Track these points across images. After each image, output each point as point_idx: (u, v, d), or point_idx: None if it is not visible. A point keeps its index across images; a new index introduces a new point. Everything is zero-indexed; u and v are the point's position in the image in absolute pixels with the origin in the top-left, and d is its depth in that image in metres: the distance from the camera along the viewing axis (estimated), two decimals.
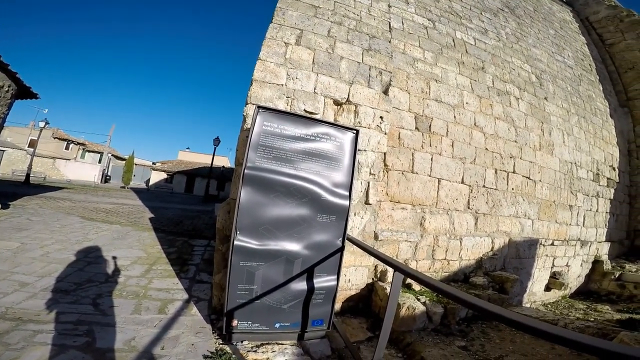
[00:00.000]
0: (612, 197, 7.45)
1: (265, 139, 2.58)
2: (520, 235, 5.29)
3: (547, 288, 5.76)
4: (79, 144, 33.15)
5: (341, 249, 2.80)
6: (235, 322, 2.51)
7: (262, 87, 3.41)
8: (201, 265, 4.66)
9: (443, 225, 4.44)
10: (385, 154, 3.99)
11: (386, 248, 3.88)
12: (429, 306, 3.28)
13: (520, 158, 5.49)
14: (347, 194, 2.83)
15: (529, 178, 5.55)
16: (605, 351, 0.88)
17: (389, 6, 5.07)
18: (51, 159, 29.05)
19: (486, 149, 5.07)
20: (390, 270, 3.50)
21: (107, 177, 32.51)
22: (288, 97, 3.49)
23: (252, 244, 2.52)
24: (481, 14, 6.62)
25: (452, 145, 4.71)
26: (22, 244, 4.49)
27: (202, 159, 36.98)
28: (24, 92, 7.61)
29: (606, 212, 7.28)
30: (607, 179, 7.36)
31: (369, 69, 4.10)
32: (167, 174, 34.70)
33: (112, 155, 35.85)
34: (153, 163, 38.53)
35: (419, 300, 3.37)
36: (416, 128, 4.47)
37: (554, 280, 5.73)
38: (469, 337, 3.26)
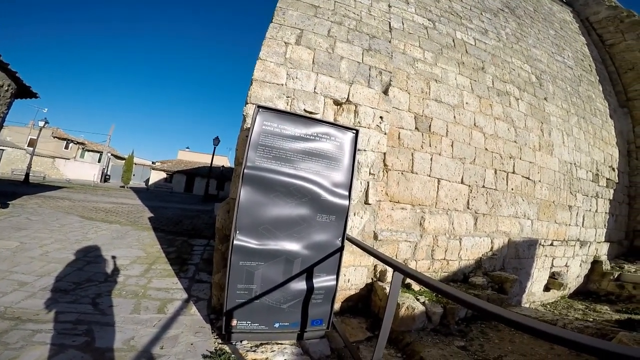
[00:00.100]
0: (611, 198, 7.45)
1: (265, 138, 2.58)
2: (519, 235, 5.29)
3: (546, 288, 5.77)
4: (78, 143, 33.10)
5: (341, 249, 2.79)
6: (234, 322, 2.51)
7: (262, 86, 3.41)
8: (200, 264, 4.66)
9: (442, 226, 4.44)
10: (385, 154, 3.99)
11: (386, 248, 3.88)
12: (428, 306, 3.28)
13: (520, 158, 5.50)
14: (347, 193, 2.82)
15: (528, 178, 5.55)
16: (604, 351, 0.88)
17: (389, 6, 5.07)
18: (51, 158, 29.02)
19: (486, 149, 5.07)
20: (389, 270, 3.50)
21: (107, 177, 32.49)
22: (288, 97, 3.49)
23: (252, 243, 2.52)
24: (481, 14, 6.62)
25: (452, 146, 4.71)
26: (21, 244, 4.48)
27: (201, 159, 36.97)
28: (23, 92, 7.61)
29: (605, 213, 7.28)
30: (607, 179, 7.37)
31: (369, 69, 4.10)
32: (167, 174, 34.68)
33: (111, 154, 35.81)
34: (152, 162, 38.51)
35: (418, 300, 3.37)
36: (416, 128, 4.47)
37: (553, 281, 5.74)
38: (468, 337, 3.26)
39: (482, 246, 4.74)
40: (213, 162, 21.33)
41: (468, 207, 4.73)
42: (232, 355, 2.36)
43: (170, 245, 5.64)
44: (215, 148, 19.95)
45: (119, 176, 29.91)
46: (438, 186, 4.49)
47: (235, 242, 2.46)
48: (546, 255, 5.65)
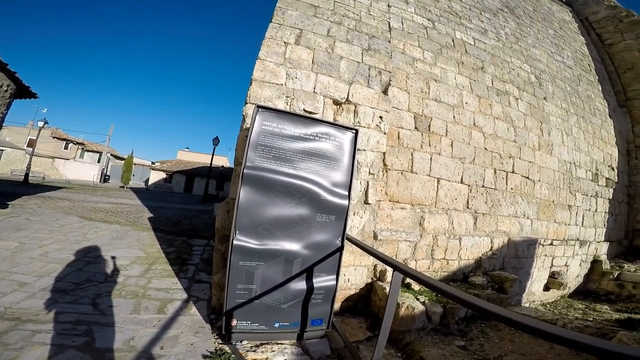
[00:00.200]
0: (610, 197, 7.46)
1: (264, 138, 2.58)
2: (519, 235, 5.29)
3: (546, 288, 5.77)
4: (78, 143, 33.07)
5: (340, 249, 2.79)
6: (234, 322, 2.50)
7: (262, 86, 3.41)
8: (200, 264, 4.65)
9: (442, 225, 4.44)
10: (384, 153, 3.99)
11: (385, 248, 3.88)
12: (428, 306, 3.28)
13: (520, 158, 5.50)
14: (347, 193, 2.82)
15: (528, 178, 5.55)
16: (604, 351, 0.88)
17: (389, 6, 5.07)
18: (50, 158, 28.99)
19: (485, 148, 5.07)
20: (389, 270, 3.50)
21: (106, 177, 32.46)
22: (287, 97, 3.49)
23: (252, 243, 2.52)
24: (481, 14, 6.63)
25: (452, 145, 4.72)
26: (20, 244, 4.48)
27: (201, 159, 36.96)
28: (22, 92, 7.60)
29: (605, 212, 7.29)
30: (606, 179, 7.37)
31: (369, 69, 4.10)
32: (166, 174, 34.67)
33: (111, 154, 35.78)
34: (152, 163, 38.50)
35: (418, 299, 3.37)
36: (415, 128, 4.47)
37: (553, 280, 5.74)
38: (468, 337, 3.26)
39: (481, 246, 4.74)
40: (213, 162, 21.33)
41: (468, 207, 4.73)
42: (232, 355, 2.36)
43: (170, 245, 5.64)
44: (214, 148, 19.96)
45: (119, 176, 29.89)
46: (438, 186, 4.49)
47: (235, 242, 2.46)
48: (546, 255, 5.65)
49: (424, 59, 4.98)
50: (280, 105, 3.41)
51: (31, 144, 25.31)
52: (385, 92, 4.09)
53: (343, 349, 2.64)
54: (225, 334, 2.52)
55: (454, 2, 6.30)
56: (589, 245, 6.55)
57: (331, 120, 3.59)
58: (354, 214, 3.61)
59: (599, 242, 6.98)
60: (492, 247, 4.84)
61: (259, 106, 2.58)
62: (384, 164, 4.06)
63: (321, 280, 2.75)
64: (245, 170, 2.49)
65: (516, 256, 5.18)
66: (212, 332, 2.68)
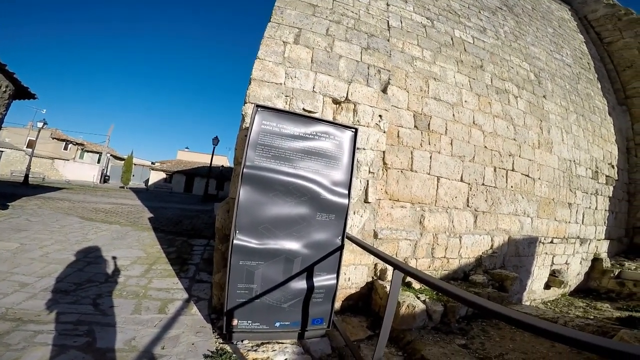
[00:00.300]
0: (611, 195, 7.46)
1: (264, 137, 2.58)
2: (519, 233, 5.29)
3: (547, 286, 5.78)
4: (77, 144, 33.05)
5: (341, 248, 2.80)
6: (235, 322, 2.51)
7: (261, 86, 3.41)
8: (201, 264, 4.66)
9: (442, 224, 4.44)
10: (384, 152, 3.99)
11: (386, 246, 3.88)
12: (428, 304, 3.29)
13: (519, 156, 5.50)
14: (347, 192, 2.82)
15: (528, 176, 5.55)
16: (606, 349, 0.88)
17: (388, 5, 5.07)
18: (50, 159, 28.98)
19: (485, 147, 5.07)
20: (389, 269, 3.49)
21: (106, 177, 32.45)
22: (287, 96, 3.49)
23: (252, 243, 2.52)
24: (479, 12, 6.62)
25: (451, 144, 4.71)
26: (21, 245, 4.48)
27: (201, 159, 36.96)
28: (21, 93, 7.59)
29: (605, 210, 7.29)
30: (606, 176, 7.37)
31: (368, 68, 4.09)
32: (166, 174, 34.67)
33: (111, 155, 35.77)
34: (152, 163, 38.49)
35: (418, 298, 3.37)
36: (415, 126, 4.47)
37: (554, 278, 5.74)
38: (469, 336, 3.26)
39: (482, 244, 4.74)
40: (212, 162, 21.33)
41: (468, 205, 4.73)
42: (234, 355, 2.36)
43: (171, 245, 5.64)
44: (214, 148, 19.96)
45: (119, 177, 29.89)
46: (437, 184, 4.49)
47: (235, 241, 2.46)
48: (546, 253, 5.66)
49: (423, 57, 4.97)
50: (280, 104, 3.41)
51: (31, 144, 25.31)
52: (384, 90, 4.09)
53: (344, 348, 2.64)
54: (226, 333, 2.53)
55: (452, 1, 6.30)
56: (589, 243, 6.55)
57: (331, 119, 3.59)
58: (354, 213, 3.61)
59: (600, 240, 6.98)
60: (492, 246, 4.84)
61: (258, 105, 2.58)
62: (384, 163, 4.06)
63: (322, 280, 2.75)
64: (244, 170, 2.49)
65: (517, 254, 5.18)
66: (213, 332, 2.69)
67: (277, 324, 2.63)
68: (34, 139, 20.78)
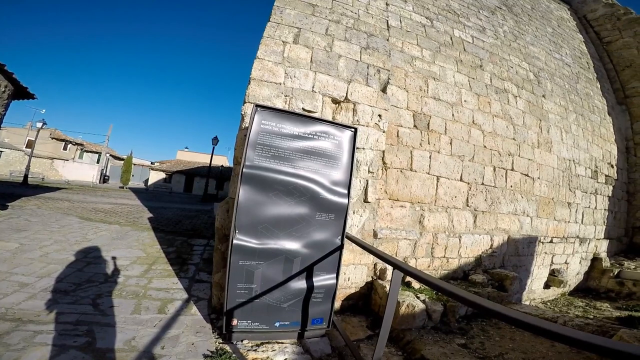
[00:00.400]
0: (610, 195, 7.47)
1: (263, 137, 2.58)
2: (519, 232, 5.30)
3: (546, 285, 5.78)
4: (76, 144, 33.00)
5: (340, 248, 2.80)
6: (235, 322, 2.51)
7: (260, 85, 3.40)
8: (200, 264, 4.65)
9: (442, 223, 4.44)
10: (383, 152, 3.99)
11: (385, 246, 3.88)
12: (428, 304, 3.29)
13: (519, 155, 5.50)
14: (346, 192, 2.82)
15: (527, 175, 5.56)
16: (605, 349, 0.88)
17: (387, 4, 5.07)
18: (49, 159, 28.92)
19: (484, 146, 5.07)
20: (389, 269, 3.49)
21: (106, 177, 32.41)
22: (286, 96, 3.49)
23: (251, 242, 2.52)
24: (479, 12, 6.62)
25: (451, 143, 4.72)
26: (20, 245, 4.48)
27: (200, 159, 36.96)
28: (20, 93, 7.58)
29: (604, 210, 7.30)
30: (606, 176, 7.38)
31: (367, 67, 4.09)
32: (166, 174, 34.65)
33: (110, 155, 35.72)
34: (152, 163, 38.47)
35: (418, 298, 3.37)
36: (414, 126, 4.47)
37: (553, 278, 5.75)
38: (469, 335, 3.27)
39: (481, 244, 4.74)
40: (212, 162, 21.33)
41: (467, 205, 4.73)
42: (233, 355, 2.36)
43: (170, 245, 5.63)
44: (214, 148, 19.95)
45: (118, 177, 29.87)
46: (437, 184, 4.49)
47: (234, 241, 2.46)
48: (546, 253, 5.66)
49: (423, 57, 4.97)
50: (279, 104, 3.41)
51: (30, 144, 25.29)
52: (384, 90, 4.09)
53: (344, 348, 2.64)
54: (226, 333, 2.53)
55: (452, 0, 6.30)
56: (588, 243, 6.56)
57: (330, 119, 3.59)
58: (354, 213, 3.61)
59: (599, 239, 6.98)
60: (492, 245, 4.85)
61: (257, 105, 2.58)
62: (384, 163, 4.06)
63: (321, 279, 2.75)
64: (244, 170, 2.49)
65: (516, 254, 5.18)
66: (213, 332, 2.68)
67: (277, 324, 2.63)
68: (33, 139, 20.76)
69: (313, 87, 3.65)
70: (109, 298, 3.10)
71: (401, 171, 4.22)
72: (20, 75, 6.95)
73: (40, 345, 2.17)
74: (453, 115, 4.87)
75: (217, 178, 31.38)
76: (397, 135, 4.29)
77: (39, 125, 19.20)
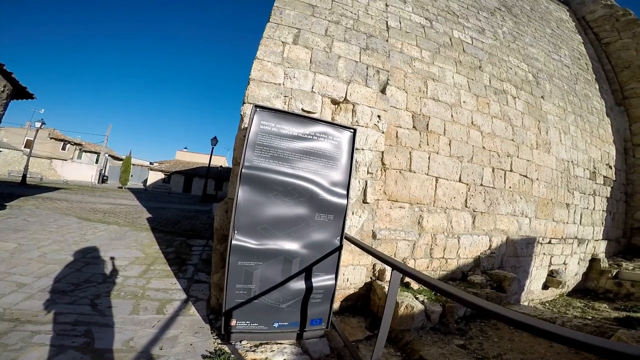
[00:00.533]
0: (608, 195, 7.49)
1: (262, 138, 2.58)
2: (517, 233, 5.31)
3: (545, 286, 5.79)
4: (75, 144, 32.92)
5: (339, 248, 2.80)
6: (233, 322, 2.50)
7: (260, 86, 3.40)
8: (199, 265, 4.65)
9: (441, 224, 4.45)
10: (382, 152, 4.00)
11: (384, 247, 3.89)
12: (427, 305, 3.29)
13: (518, 156, 5.51)
14: (345, 192, 2.82)
15: (526, 176, 5.56)
16: (603, 349, 0.88)
17: (386, 5, 5.07)
18: (48, 159, 28.85)
19: (483, 147, 5.08)
20: (388, 269, 3.50)
21: (104, 178, 32.36)
22: (285, 97, 3.49)
23: (250, 243, 2.51)
24: (478, 13, 6.64)
25: (450, 144, 4.72)
26: (19, 245, 4.46)
27: (199, 159, 36.94)
28: (19, 93, 7.56)
29: (603, 210, 7.31)
30: (604, 177, 7.40)
31: (367, 68, 4.10)
32: (165, 174, 34.62)
33: (109, 155, 35.67)
34: (150, 163, 38.43)
35: (417, 299, 3.38)
36: (414, 127, 4.48)
37: (552, 279, 5.76)
38: (468, 336, 3.27)
39: (480, 244, 4.75)
40: (211, 162, 21.31)
41: (466, 206, 4.74)
42: (232, 356, 2.36)
43: (169, 245, 5.63)
44: (213, 148, 19.93)
45: (117, 177, 29.85)
46: (436, 185, 4.50)
47: (233, 242, 2.46)
48: (544, 254, 5.67)
49: (422, 58, 4.98)
50: (278, 104, 3.41)
51: (28, 144, 25.23)
52: (383, 91, 4.09)
53: (342, 349, 2.64)
54: (224, 334, 2.52)
55: (451, 1, 6.31)
56: (587, 244, 6.57)
57: (329, 119, 3.59)
58: (353, 213, 3.61)
59: (597, 240, 7.00)
60: (490, 246, 4.85)
61: (257, 106, 2.58)
62: (383, 163, 4.06)
63: (320, 280, 2.75)
64: (243, 170, 2.49)
65: (515, 255, 5.19)
66: (212, 332, 2.68)
67: (276, 325, 2.63)
68: (32, 138, 20.72)
69: (312, 88, 3.66)
70: (108, 298, 3.09)
71: (400, 172, 4.23)
72: (20, 75, 6.95)
73: (39, 345, 2.16)
74: (452, 116, 4.87)
75: (216, 178, 31.37)
76: (396, 136, 4.29)
77: (38, 125, 19.16)
